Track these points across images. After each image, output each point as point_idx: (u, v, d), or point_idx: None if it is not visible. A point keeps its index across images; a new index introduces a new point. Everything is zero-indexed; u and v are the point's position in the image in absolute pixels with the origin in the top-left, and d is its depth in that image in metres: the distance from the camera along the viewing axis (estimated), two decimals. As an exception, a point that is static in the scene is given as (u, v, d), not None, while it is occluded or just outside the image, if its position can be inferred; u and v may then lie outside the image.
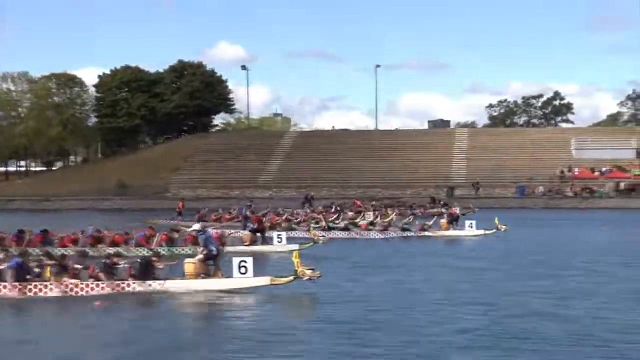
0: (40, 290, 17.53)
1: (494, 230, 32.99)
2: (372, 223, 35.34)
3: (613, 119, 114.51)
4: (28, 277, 17.81)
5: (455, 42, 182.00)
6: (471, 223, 33.95)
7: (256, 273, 17.90)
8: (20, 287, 17.51)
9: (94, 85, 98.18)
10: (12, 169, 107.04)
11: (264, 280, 17.69)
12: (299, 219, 36.89)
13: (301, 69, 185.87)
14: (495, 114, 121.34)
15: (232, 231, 32.00)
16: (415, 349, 12.05)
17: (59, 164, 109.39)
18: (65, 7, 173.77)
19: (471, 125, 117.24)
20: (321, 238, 28.03)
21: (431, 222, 35.04)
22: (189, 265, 18.42)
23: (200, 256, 18.80)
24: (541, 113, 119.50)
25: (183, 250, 25.45)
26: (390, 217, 36.74)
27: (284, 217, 36.72)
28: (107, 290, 17.67)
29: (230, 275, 18.00)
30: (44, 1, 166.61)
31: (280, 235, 28.03)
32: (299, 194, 62.26)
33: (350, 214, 40.25)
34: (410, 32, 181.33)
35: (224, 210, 42.81)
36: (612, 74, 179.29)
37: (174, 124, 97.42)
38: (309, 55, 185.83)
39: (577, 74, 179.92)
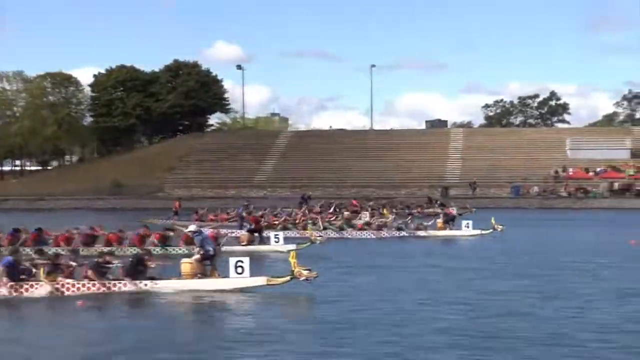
0: (33, 288, 17.47)
1: (491, 231, 33.06)
2: (367, 223, 35.40)
3: (609, 119, 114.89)
4: (23, 276, 17.77)
5: (454, 42, 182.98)
6: (467, 223, 34.02)
7: (253, 273, 17.89)
8: (12, 286, 17.47)
9: (89, 85, 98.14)
10: (7, 168, 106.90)
11: (261, 281, 17.69)
12: (296, 220, 36.86)
13: (299, 69, 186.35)
14: (491, 114, 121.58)
15: (230, 231, 32.03)
16: (389, 348, 12.07)
17: (54, 164, 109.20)
18: (62, 7, 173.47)
19: (467, 126, 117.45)
20: (319, 238, 28.06)
21: (429, 223, 35.14)
22: (186, 265, 18.42)
23: (197, 256, 18.81)
24: (537, 113, 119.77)
25: (178, 250, 25.46)
26: (388, 218, 36.79)
27: (282, 219, 36.66)
28: (102, 289, 17.62)
29: (226, 276, 17.99)
30: (39, 1, 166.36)
31: (277, 235, 28.05)
32: (294, 194, 62.27)
33: (346, 213, 40.29)
34: (409, 32, 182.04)
35: (222, 210, 42.82)
36: (609, 74, 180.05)
37: (170, 124, 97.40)
38: (307, 55, 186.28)
39: (575, 74, 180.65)
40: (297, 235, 32.21)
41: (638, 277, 20.08)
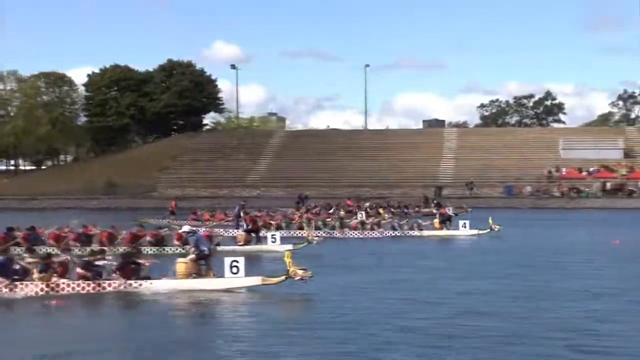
0: (27, 288, 17.45)
1: (488, 230, 33.21)
2: (362, 223, 35.52)
3: (604, 118, 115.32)
4: (16, 276, 17.79)
5: (452, 41, 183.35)
6: (464, 223, 34.18)
7: (248, 273, 17.95)
8: (6, 285, 17.46)
9: (83, 84, 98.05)
10: (1, 168, 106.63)
11: (256, 280, 17.73)
12: (293, 219, 36.89)
13: (297, 69, 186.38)
14: (487, 113, 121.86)
15: (227, 231, 32.09)
16: (349, 347, 12.13)
17: (48, 163, 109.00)
18: (57, 6, 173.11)
19: (462, 125, 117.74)
20: (315, 238, 28.11)
21: (426, 222, 35.30)
22: (181, 265, 18.41)
23: (192, 256, 18.79)
24: (533, 113, 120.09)
25: (172, 249, 25.52)
26: (384, 218, 36.90)
27: (277, 218, 36.70)
28: (97, 289, 17.60)
29: (222, 275, 18.03)
30: (34, 0, 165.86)
31: (274, 235, 28.11)
32: (287, 194, 62.43)
33: (342, 213, 40.45)
34: (407, 32, 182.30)
35: (221, 210, 42.81)
36: (607, 74, 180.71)
37: (163, 124, 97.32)
38: (305, 55, 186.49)
39: (573, 74, 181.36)
40: (294, 235, 32.30)
41: (615, 276, 20.21)
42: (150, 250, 25.39)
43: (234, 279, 17.79)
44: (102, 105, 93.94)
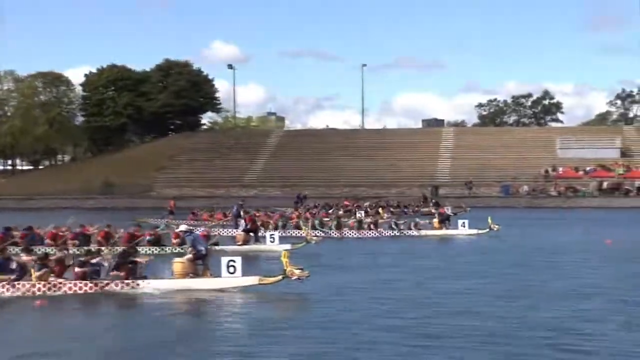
0: (24, 287, 17.47)
1: (487, 230, 33.27)
2: (359, 222, 35.54)
3: (602, 118, 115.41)
4: (13, 275, 17.81)
5: (451, 41, 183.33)
6: (464, 222, 34.26)
7: (245, 273, 17.96)
8: (3, 285, 17.46)
9: (81, 84, 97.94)
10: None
11: (253, 280, 17.74)
12: (291, 219, 36.91)
13: (296, 68, 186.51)
14: (485, 113, 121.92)
15: (226, 230, 32.07)
16: (338, 346, 12.17)
17: (46, 163, 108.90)
18: (56, 6, 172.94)
19: (460, 125, 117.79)
20: (314, 238, 28.14)
21: (425, 222, 35.35)
22: (178, 264, 18.42)
23: (189, 256, 18.79)
24: (531, 112, 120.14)
25: (170, 249, 25.54)
26: (383, 218, 36.95)
27: (274, 218, 36.70)
28: (94, 289, 17.62)
29: (219, 275, 18.04)
30: (31, 0, 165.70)
31: (272, 235, 28.13)
32: (284, 193, 62.44)
33: (340, 212, 40.50)
34: (407, 32, 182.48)
35: (221, 209, 42.83)
36: (606, 73, 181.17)
37: (161, 123, 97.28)
38: (304, 55, 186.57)
39: (572, 73, 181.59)
40: (293, 234, 32.33)
41: (603, 276, 20.26)
42: (149, 249, 25.41)
43: (230, 278, 17.79)
44: (100, 105, 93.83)
